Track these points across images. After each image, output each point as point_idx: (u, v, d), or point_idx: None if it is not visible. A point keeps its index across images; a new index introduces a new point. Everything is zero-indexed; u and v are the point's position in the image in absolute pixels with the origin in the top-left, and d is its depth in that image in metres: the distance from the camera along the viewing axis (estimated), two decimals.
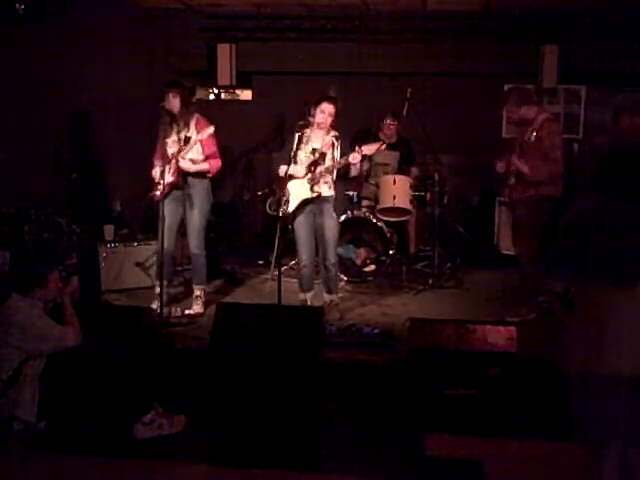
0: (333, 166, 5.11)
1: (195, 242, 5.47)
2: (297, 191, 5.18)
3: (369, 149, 5.06)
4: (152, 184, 5.45)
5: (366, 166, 6.58)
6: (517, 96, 5.34)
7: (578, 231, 2.69)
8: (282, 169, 5.17)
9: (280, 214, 5.15)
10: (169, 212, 5.34)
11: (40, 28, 5.90)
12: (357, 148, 5.00)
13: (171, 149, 5.32)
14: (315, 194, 5.16)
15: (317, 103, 5.16)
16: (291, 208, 5.19)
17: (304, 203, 5.20)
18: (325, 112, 5.12)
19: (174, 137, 5.30)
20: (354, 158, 4.99)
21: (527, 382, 4.15)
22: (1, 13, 5.60)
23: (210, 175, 5.42)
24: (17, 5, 5.56)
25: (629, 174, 2.69)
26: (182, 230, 5.55)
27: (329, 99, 5.19)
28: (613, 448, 2.70)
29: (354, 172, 5.23)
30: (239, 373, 4.18)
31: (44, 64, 6.19)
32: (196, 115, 5.39)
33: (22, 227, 5.64)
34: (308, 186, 5.15)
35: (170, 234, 5.40)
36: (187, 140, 5.28)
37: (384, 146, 5.34)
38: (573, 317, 2.84)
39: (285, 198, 5.14)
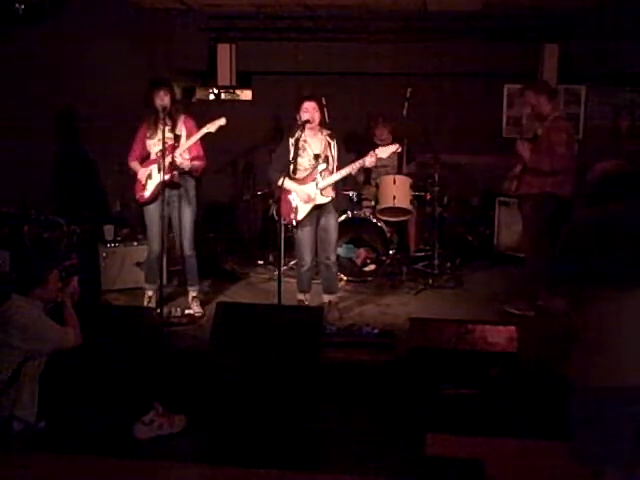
0: (359, 169, 5.09)
1: (189, 243, 5.41)
2: (305, 198, 5.13)
3: (385, 151, 5.05)
4: (138, 185, 5.34)
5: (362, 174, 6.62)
6: (542, 85, 5.46)
7: (580, 240, 2.69)
8: (280, 180, 4.98)
9: (294, 223, 5.17)
10: (160, 213, 5.25)
11: (40, 28, 5.90)
12: (372, 152, 5.00)
13: (155, 148, 5.24)
14: (328, 198, 5.14)
15: (298, 106, 5.09)
16: (301, 216, 5.15)
17: (314, 209, 5.17)
18: (309, 110, 5.04)
19: (159, 136, 5.15)
20: (370, 163, 5.02)
21: (527, 382, 4.15)
22: (1, 13, 5.60)
23: (196, 175, 5.37)
24: (17, 5, 5.56)
25: (630, 189, 2.71)
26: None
27: (307, 97, 5.13)
28: (617, 464, 2.67)
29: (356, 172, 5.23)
30: (239, 373, 4.18)
31: (44, 64, 6.20)
32: (182, 114, 5.34)
33: (22, 227, 5.64)
34: (317, 191, 5.11)
35: (161, 236, 5.33)
36: (177, 138, 5.23)
37: (400, 149, 5.33)
38: (575, 329, 2.81)
39: (293, 207, 5.13)
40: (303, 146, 5.12)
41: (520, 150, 5.22)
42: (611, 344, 2.63)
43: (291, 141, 5.11)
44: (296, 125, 5.11)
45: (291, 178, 5.11)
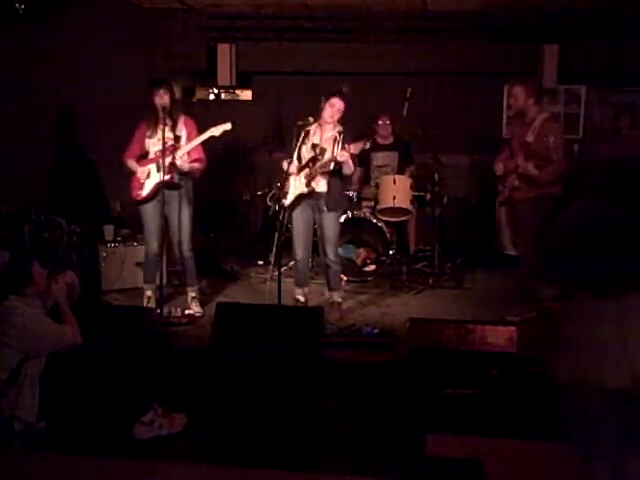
0: (330, 161, 5.06)
1: (187, 244, 5.41)
2: (294, 186, 5.20)
3: (355, 147, 5.04)
4: (135, 183, 5.34)
5: (360, 173, 6.63)
6: (533, 87, 5.32)
7: (565, 238, 2.65)
8: (285, 164, 5.17)
9: (277, 207, 5.19)
10: (157, 213, 5.27)
11: (40, 28, 5.91)
12: (345, 146, 5.01)
13: (154, 148, 5.25)
14: (309, 189, 5.14)
15: (327, 97, 5.13)
16: (287, 202, 5.19)
17: (300, 198, 5.20)
18: (335, 107, 5.10)
19: (159, 136, 5.15)
20: (341, 156, 4.98)
21: (527, 382, 4.15)
22: (1, 13, 5.61)
23: (196, 177, 5.37)
24: (17, 5, 5.57)
25: (626, 185, 2.65)
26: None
27: (340, 94, 5.16)
28: (603, 459, 2.67)
29: (347, 170, 5.14)
30: (239, 373, 4.18)
31: (44, 64, 6.20)
32: (182, 115, 5.34)
33: (22, 227, 5.65)
34: (304, 181, 5.15)
35: (159, 235, 5.34)
36: (177, 139, 5.23)
37: (368, 145, 5.31)
38: (559, 326, 2.79)
39: (284, 191, 5.17)
40: (309, 136, 5.19)
41: (528, 171, 5.13)
42: (590, 345, 2.61)
43: (303, 131, 5.16)
44: (306, 121, 5.12)
45: (296, 167, 5.20)
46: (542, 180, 5.10)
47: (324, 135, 5.19)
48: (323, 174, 5.13)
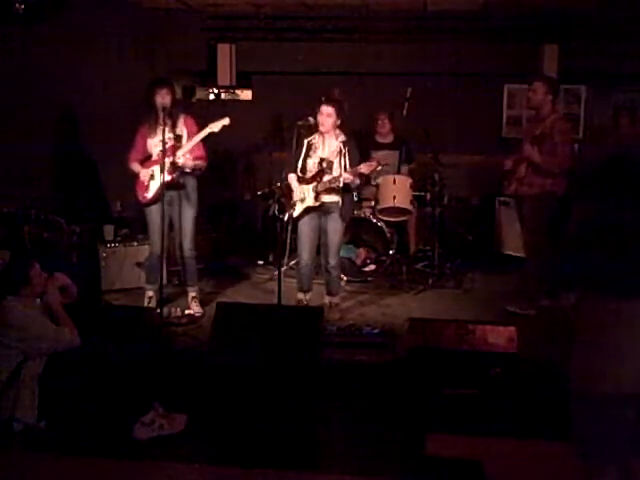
0: (339, 177, 5.07)
1: (189, 244, 5.41)
2: (302, 197, 5.21)
3: (367, 167, 5.03)
4: (140, 186, 5.34)
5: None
6: (552, 85, 5.38)
7: (583, 241, 2.63)
8: (290, 177, 5.24)
9: (285, 218, 5.25)
10: (161, 214, 5.24)
11: (40, 28, 5.90)
12: (349, 169, 5.03)
13: (157, 149, 5.22)
14: (318, 203, 5.17)
15: (317, 107, 5.13)
16: (296, 213, 5.24)
17: (308, 210, 5.22)
18: (323, 114, 5.09)
19: (160, 136, 5.12)
20: (346, 179, 5.01)
21: (527, 382, 4.15)
22: (1, 13, 5.60)
23: (198, 175, 5.36)
24: (17, 5, 5.56)
25: (632, 182, 2.65)
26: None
27: (327, 101, 5.17)
28: (614, 464, 2.66)
29: (352, 185, 5.20)
30: (239, 373, 4.18)
31: (44, 64, 6.19)
32: (182, 114, 5.34)
33: (22, 227, 5.64)
34: (313, 195, 5.16)
35: (163, 236, 5.33)
36: (179, 138, 5.22)
37: (380, 167, 5.38)
38: (576, 330, 2.78)
39: (292, 202, 5.22)
40: (314, 148, 5.20)
41: (532, 156, 5.17)
42: (609, 350, 2.60)
43: (306, 142, 5.19)
44: (307, 125, 5.16)
45: (299, 177, 5.23)
46: (546, 168, 5.13)
47: (329, 147, 5.18)
48: (331, 188, 5.14)
